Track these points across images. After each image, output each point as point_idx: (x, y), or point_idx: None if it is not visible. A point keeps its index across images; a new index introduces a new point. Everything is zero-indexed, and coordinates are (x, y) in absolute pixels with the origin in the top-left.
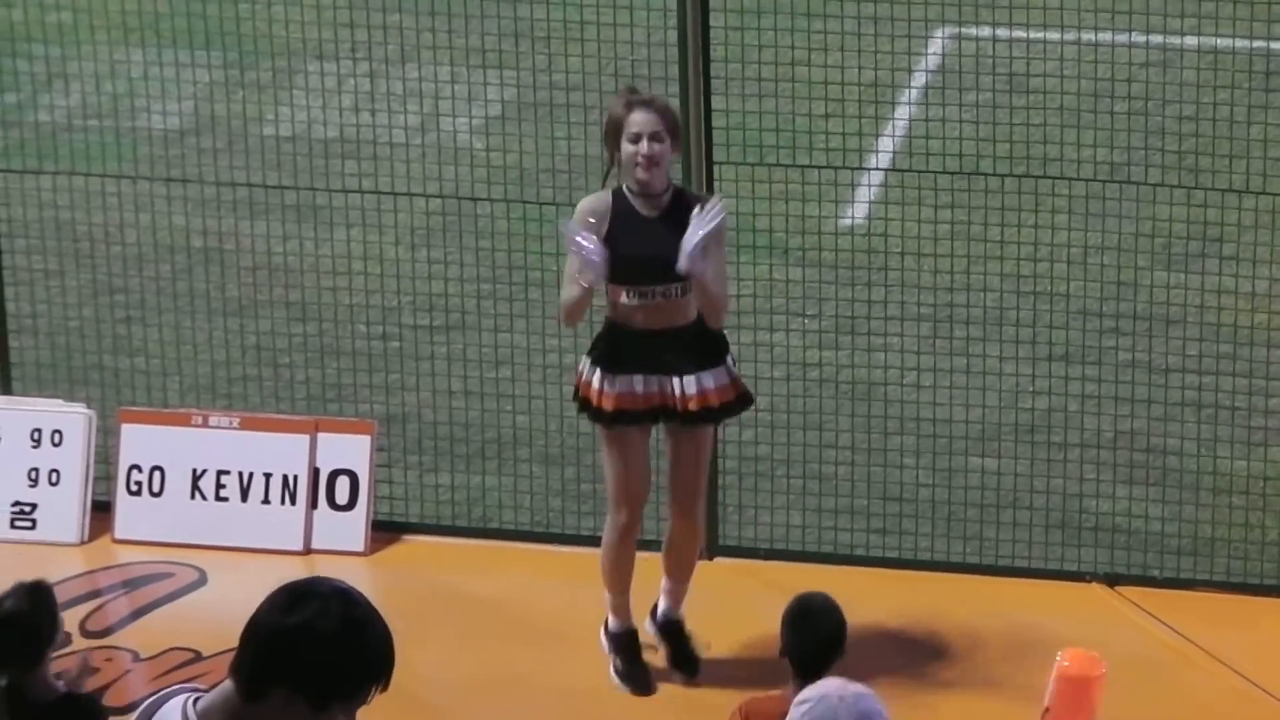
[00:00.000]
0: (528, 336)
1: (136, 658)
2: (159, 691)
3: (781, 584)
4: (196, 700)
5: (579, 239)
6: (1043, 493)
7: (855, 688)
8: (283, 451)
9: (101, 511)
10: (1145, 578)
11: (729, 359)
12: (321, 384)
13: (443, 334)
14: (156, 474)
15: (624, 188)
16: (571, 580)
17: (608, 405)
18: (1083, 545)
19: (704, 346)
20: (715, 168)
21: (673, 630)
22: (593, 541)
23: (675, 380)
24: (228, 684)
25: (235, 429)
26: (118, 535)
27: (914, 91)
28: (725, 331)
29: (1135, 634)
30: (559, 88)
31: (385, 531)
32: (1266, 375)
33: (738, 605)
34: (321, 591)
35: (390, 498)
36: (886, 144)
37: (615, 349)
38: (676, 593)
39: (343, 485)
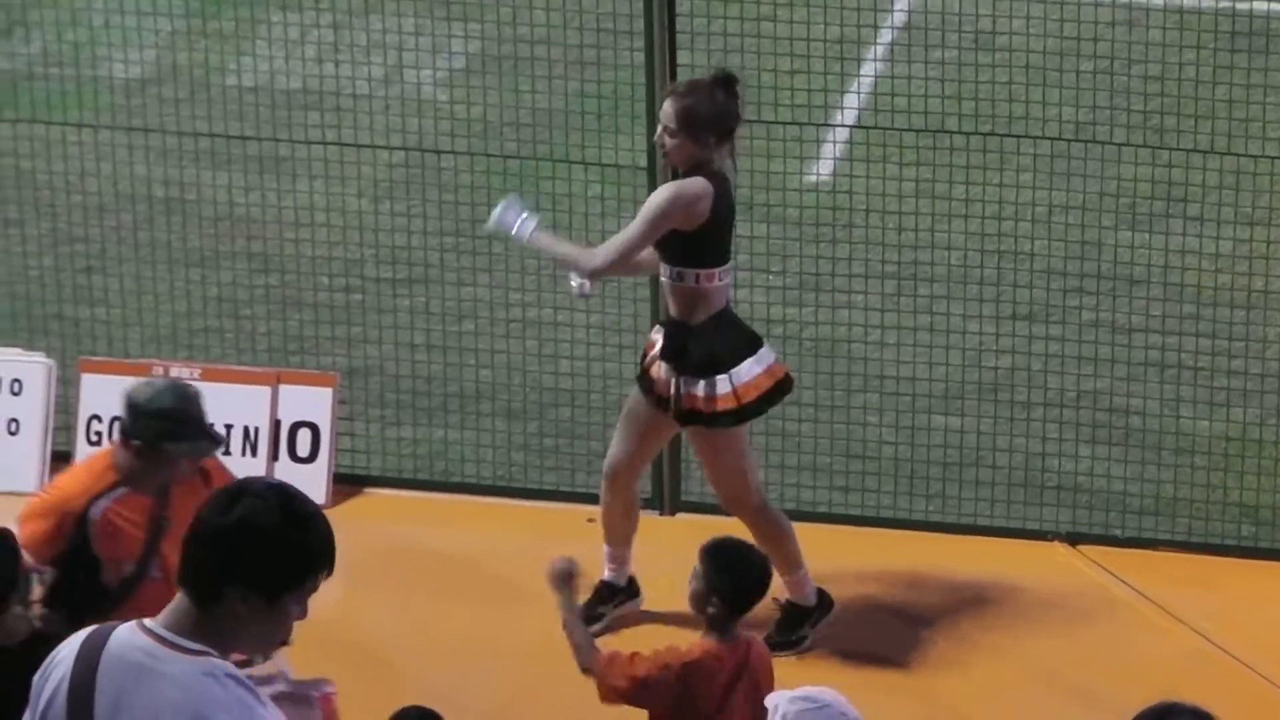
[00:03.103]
0: (490, 290)
1: None
2: (93, 627)
3: None
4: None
5: None
6: (1005, 451)
7: (855, 714)
8: (244, 403)
9: (61, 461)
10: (1107, 537)
11: (724, 375)
12: (283, 336)
13: (405, 287)
14: (117, 424)
15: None
16: (533, 535)
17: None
18: (1045, 504)
19: (687, 350)
20: None
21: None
22: (554, 496)
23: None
24: (180, 597)
25: (196, 380)
26: None
27: (881, 49)
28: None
29: (1096, 593)
30: (524, 41)
31: (346, 485)
32: (1230, 336)
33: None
34: (256, 489)
35: (352, 450)
36: (853, 101)
37: None
38: None
39: (304, 438)
